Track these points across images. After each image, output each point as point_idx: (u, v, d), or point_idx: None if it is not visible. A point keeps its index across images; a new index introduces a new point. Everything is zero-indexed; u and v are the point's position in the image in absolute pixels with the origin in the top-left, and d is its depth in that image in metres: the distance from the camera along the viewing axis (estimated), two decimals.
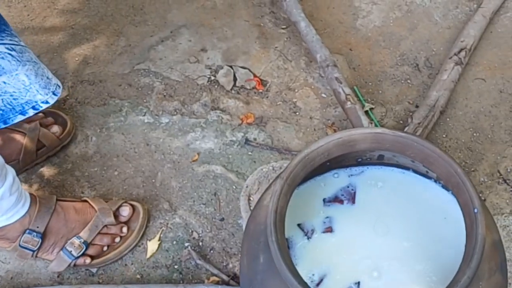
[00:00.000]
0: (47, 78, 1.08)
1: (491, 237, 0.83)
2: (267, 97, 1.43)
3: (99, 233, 1.15)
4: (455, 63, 1.39)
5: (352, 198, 0.97)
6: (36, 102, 1.08)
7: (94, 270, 1.17)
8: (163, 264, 1.19)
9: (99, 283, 1.17)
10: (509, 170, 1.29)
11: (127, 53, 1.53)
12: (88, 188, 1.29)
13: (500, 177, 1.28)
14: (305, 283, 0.75)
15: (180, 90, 1.45)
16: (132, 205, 1.20)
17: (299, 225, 0.94)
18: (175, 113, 1.41)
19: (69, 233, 1.14)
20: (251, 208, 1.18)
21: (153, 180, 1.30)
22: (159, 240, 1.22)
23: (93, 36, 1.57)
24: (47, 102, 1.09)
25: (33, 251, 1.11)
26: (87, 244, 1.14)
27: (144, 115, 1.40)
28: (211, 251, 1.20)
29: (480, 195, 1.23)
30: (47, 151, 1.31)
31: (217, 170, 1.31)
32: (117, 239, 1.18)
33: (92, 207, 1.17)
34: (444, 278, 0.84)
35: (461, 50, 1.42)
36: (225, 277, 1.15)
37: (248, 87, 1.45)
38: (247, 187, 1.18)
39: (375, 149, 0.90)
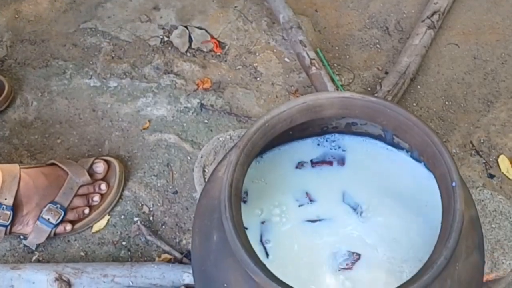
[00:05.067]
0: None
1: (469, 213, 0.79)
2: (226, 60, 1.40)
3: (75, 195, 1.12)
4: (427, 26, 1.36)
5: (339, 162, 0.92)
6: None
7: (33, 247, 1.13)
8: (110, 241, 1.15)
9: (38, 261, 1.12)
10: (482, 141, 1.26)
11: (72, 10, 1.49)
12: (27, 157, 1.24)
13: (473, 148, 1.25)
14: (263, 264, 0.69)
15: (130, 51, 1.41)
16: (105, 160, 1.17)
17: None
18: (124, 76, 1.37)
19: (42, 201, 1.10)
20: (206, 180, 1.12)
21: (100, 149, 1.26)
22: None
23: None
24: None
25: (6, 226, 1.07)
26: (65, 209, 1.11)
27: (90, 78, 1.36)
28: (163, 227, 1.17)
29: None
30: None
31: (170, 139, 1.27)
32: (96, 198, 1.15)
33: (63, 169, 1.13)
34: (414, 261, 0.81)
35: (434, 13, 1.38)
36: (177, 255, 1.12)
37: (205, 50, 1.41)
38: (202, 157, 1.14)
39: (343, 115, 0.83)
